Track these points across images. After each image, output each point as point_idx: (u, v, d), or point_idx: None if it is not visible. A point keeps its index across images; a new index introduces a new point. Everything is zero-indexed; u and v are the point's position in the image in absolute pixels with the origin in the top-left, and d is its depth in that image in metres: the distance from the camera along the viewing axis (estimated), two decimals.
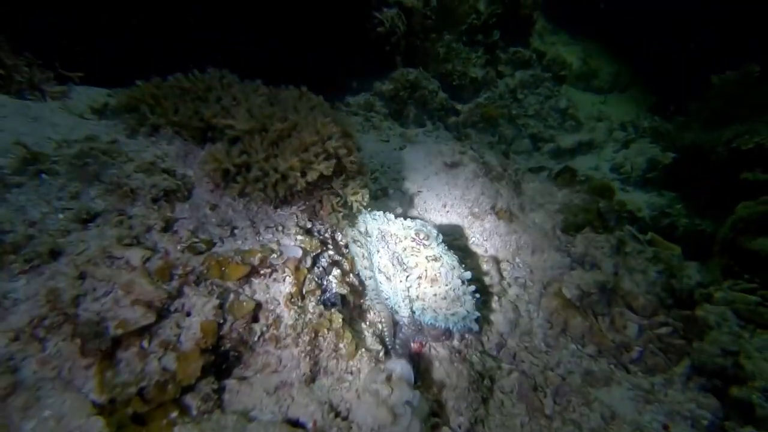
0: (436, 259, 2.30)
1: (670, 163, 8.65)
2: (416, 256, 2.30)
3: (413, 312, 2.22)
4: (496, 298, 2.81)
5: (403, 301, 2.25)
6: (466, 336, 2.44)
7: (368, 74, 7.35)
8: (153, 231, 1.63)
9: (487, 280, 2.88)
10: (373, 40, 6.98)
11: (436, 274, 2.27)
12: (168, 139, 1.99)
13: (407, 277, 2.27)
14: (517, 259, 3.13)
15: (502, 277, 2.98)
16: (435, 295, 2.24)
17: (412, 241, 2.32)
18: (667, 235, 7.95)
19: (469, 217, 3.38)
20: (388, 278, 2.30)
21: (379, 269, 2.33)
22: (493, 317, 2.69)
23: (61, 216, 1.54)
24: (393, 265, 2.31)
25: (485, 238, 3.24)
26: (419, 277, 2.29)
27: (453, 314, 2.24)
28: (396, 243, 2.36)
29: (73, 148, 1.79)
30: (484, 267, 2.95)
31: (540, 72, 10.69)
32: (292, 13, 5.17)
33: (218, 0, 4.17)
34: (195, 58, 3.63)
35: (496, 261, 3.05)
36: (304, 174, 2.00)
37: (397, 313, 2.24)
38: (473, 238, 3.23)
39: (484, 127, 8.60)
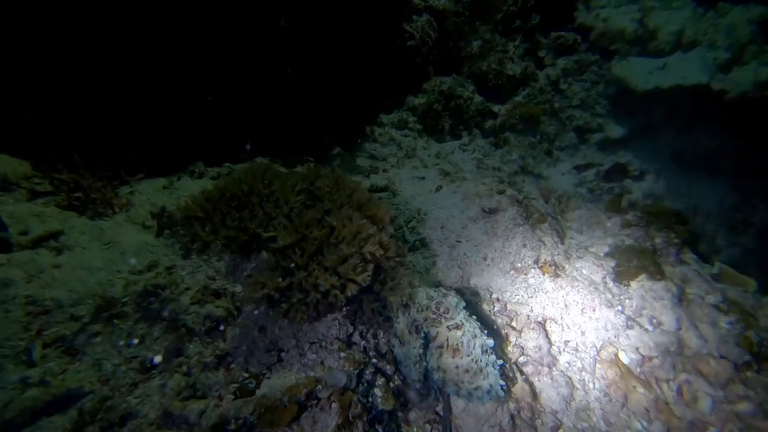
0: (457, 327, 2.34)
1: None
2: (437, 327, 2.33)
3: (425, 378, 2.28)
4: (546, 369, 2.71)
5: (414, 366, 2.31)
6: (517, 422, 2.39)
7: (400, 88, 7.21)
8: (207, 370, 1.75)
9: (534, 348, 2.79)
10: (403, 54, 6.80)
11: (457, 344, 2.30)
12: (217, 254, 2.11)
13: (426, 344, 2.33)
14: (566, 319, 2.99)
15: (550, 343, 2.87)
16: (457, 367, 2.27)
17: (433, 314, 2.36)
18: (739, 232, 7.19)
19: (512, 272, 3.27)
20: (401, 343, 2.36)
21: (394, 334, 2.39)
22: (545, 394, 2.61)
23: (128, 368, 1.69)
24: (409, 332, 2.37)
25: (530, 295, 3.12)
26: (440, 347, 2.31)
27: (476, 388, 2.26)
28: (418, 312, 2.40)
29: (138, 285, 1.94)
30: (530, 333, 2.85)
31: (585, 55, 9.91)
32: (319, 36, 5.12)
33: (240, 22, 4.09)
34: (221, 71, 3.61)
35: (543, 324, 2.93)
36: (343, 289, 2.03)
37: (406, 377, 2.31)
38: (517, 296, 3.12)
39: (523, 128, 8.19)
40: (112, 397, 1.59)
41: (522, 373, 2.65)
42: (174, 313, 1.87)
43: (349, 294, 2.02)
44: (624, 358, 2.78)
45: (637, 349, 2.82)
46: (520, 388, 2.51)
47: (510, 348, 2.75)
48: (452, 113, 7.22)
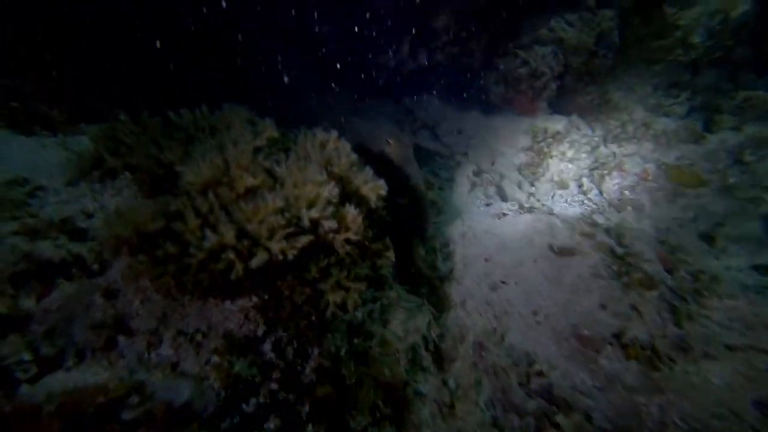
0: None
1: None
2: None
3: None
4: None
5: None
6: None
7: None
8: None
9: None
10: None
11: None
12: (119, 189, 1.82)
13: None
14: None
15: None
16: None
17: None
18: None
19: (572, 339, 2.29)
20: None
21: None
22: None
23: None
24: None
25: (594, 383, 2.09)
26: None
27: None
28: None
29: None
30: None
31: None
32: None
33: None
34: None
35: None
36: (249, 256, 1.53)
37: None
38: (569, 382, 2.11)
39: (668, 198, 6.70)
40: None
41: None
42: None
43: (255, 265, 1.50)
44: None
45: None
46: None
47: None
48: None
